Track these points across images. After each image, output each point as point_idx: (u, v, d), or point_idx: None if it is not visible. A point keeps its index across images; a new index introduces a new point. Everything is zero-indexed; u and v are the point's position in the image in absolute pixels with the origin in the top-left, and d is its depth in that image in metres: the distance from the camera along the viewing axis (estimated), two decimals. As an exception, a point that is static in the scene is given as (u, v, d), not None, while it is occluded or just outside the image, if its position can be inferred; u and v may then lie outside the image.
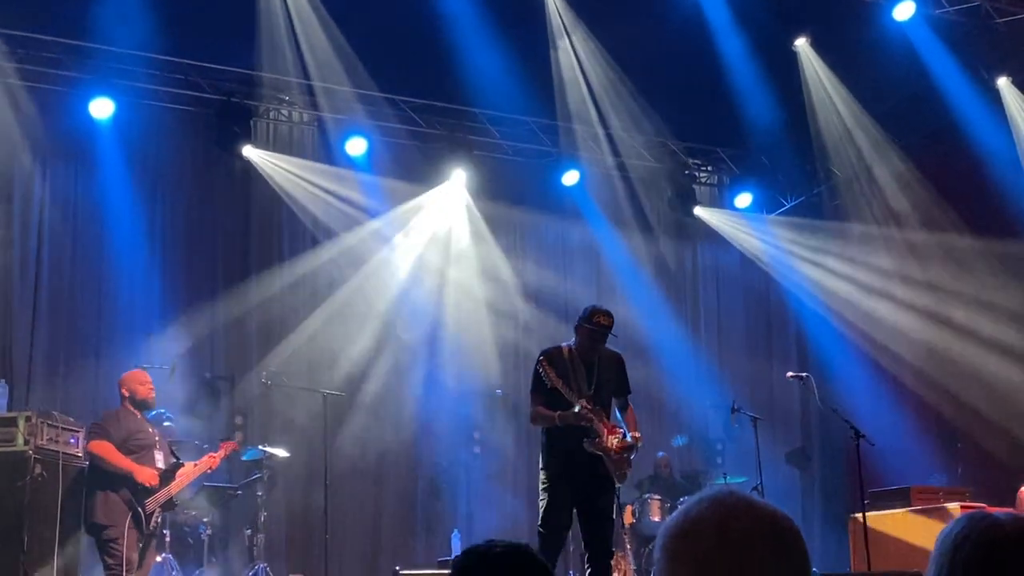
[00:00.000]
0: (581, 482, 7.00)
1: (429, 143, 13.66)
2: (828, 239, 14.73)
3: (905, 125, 13.58)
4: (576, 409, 6.92)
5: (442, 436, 13.14)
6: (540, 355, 7.23)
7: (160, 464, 8.44)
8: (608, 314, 7.27)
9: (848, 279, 14.44)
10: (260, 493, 10.40)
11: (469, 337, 13.60)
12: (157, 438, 8.58)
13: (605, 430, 7.03)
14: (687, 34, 12.09)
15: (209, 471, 8.87)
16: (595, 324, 7.15)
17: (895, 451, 13.00)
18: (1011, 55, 12.50)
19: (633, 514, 11.64)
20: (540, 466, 7.17)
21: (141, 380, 8.62)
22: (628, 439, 7.11)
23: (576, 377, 7.11)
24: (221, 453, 8.96)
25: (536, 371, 7.17)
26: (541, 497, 7.06)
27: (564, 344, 7.31)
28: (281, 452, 10.79)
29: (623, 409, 7.40)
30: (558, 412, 6.97)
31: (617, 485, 7.16)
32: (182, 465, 8.60)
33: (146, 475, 8.22)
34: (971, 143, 12.46)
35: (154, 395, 8.66)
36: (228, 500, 10.56)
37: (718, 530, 1.68)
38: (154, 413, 9.03)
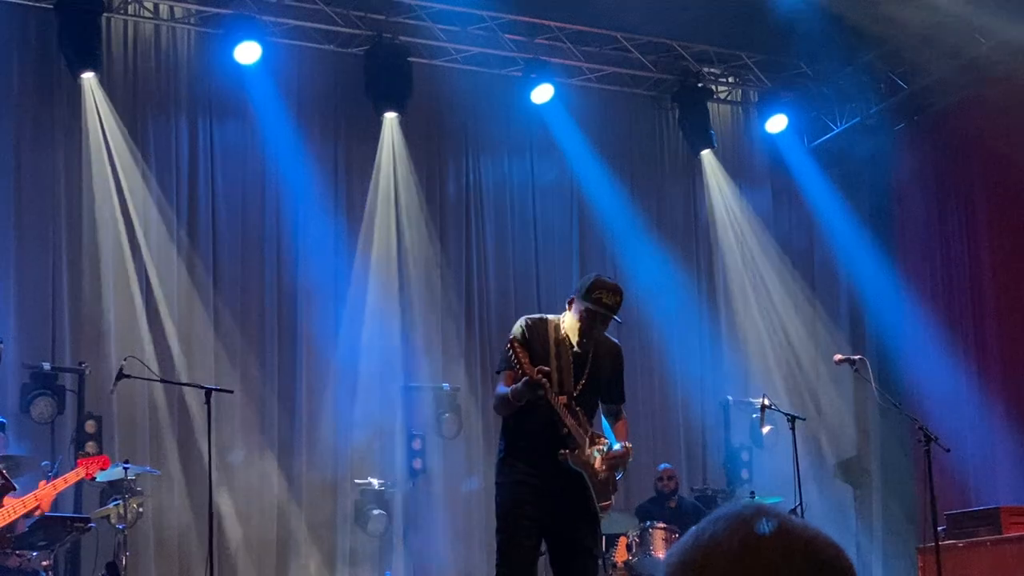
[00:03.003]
0: (552, 502, 6.97)
1: (351, 48, 13.58)
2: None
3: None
4: (524, 380, 6.74)
5: (371, 446, 13.13)
6: (521, 323, 7.12)
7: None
8: (616, 291, 7.02)
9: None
10: (120, 526, 10.32)
11: (402, 315, 13.57)
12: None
13: (587, 439, 6.99)
14: None
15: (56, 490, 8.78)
16: (596, 304, 7.00)
17: (979, 460, 13.12)
18: None
19: (629, 548, 11.69)
20: (495, 480, 7.19)
21: None
22: (616, 448, 7.08)
23: (561, 365, 7.03)
24: (79, 472, 8.85)
25: (511, 342, 6.98)
26: (498, 527, 7.06)
27: (552, 317, 7.19)
28: (149, 470, 10.70)
29: (614, 418, 7.36)
30: (512, 387, 6.85)
31: (601, 516, 7.14)
32: (13, 488, 8.50)
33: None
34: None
35: None
36: (76, 536, 10.48)
37: (739, 560, 1.64)
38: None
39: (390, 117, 13.69)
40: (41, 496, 8.62)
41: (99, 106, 12.51)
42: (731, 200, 15.21)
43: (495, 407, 7.26)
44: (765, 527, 1.66)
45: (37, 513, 8.64)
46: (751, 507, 1.73)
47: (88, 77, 12.43)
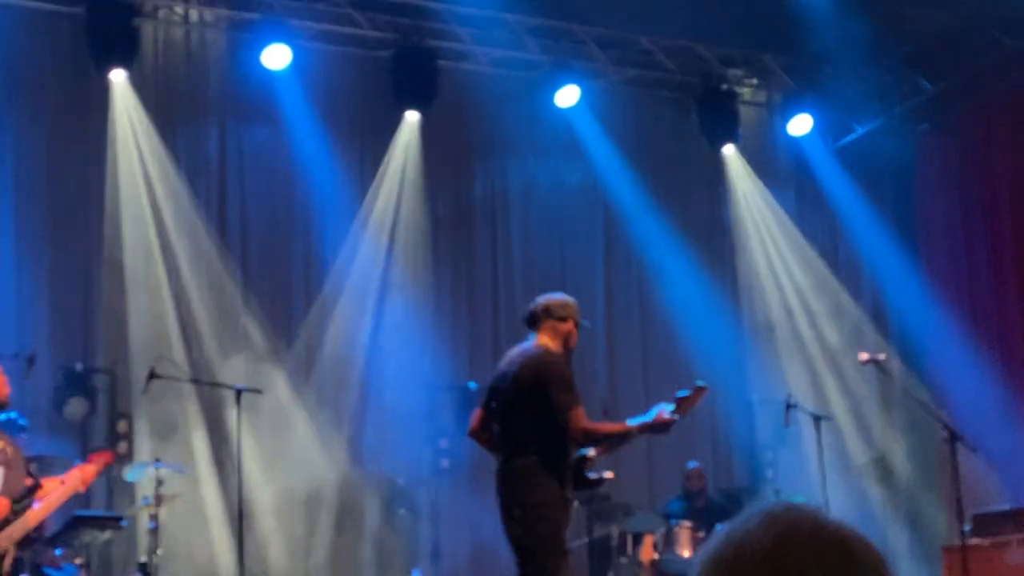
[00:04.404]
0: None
1: (378, 51, 13.58)
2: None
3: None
4: (667, 411, 7.09)
5: (398, 445, 13.12)
6: (560, 359, 7.28)
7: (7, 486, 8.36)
8: None
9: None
10: (152, 524, 10.35)
11: (429, 316, 13.58)
12: (8, 452, 8.51)
13: None
14: None
15: (79, 492, 8.80)
16: (580, 325, 7.46)
17: (1006, 460, 13.04)
18: None
19: (655, 547, 11.66)
20: (539, 500, 7.15)
21: None
22: None
23: None
24: (92, 468, 8.90)
25: (567, 369, 7.24)
26: (549, 549, 7.06)
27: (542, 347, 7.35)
28: (179, 469, 10.73)
29: None
30: (636, 423, 7.13)
31: None
32: (40, 487, 8.52)
33: (-8, 505, 8.17)
34: None
35: (8, 392, 8.60)
36: (108, 534, 10.51)
37: (771, 557, 1.63)
38: (4, 418, 8.93)
39: (412, 117, 13.62)
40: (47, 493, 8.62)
41: (129, 106, 12.52)
42: (755, 197, 15.13)
43: (598, 440, 7.25)
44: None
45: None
46: (783, 504, 1.72)
47: (118, 76, 12.39)
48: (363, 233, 13.49)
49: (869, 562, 1.66)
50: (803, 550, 1.63)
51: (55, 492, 8.57)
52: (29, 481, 8.52)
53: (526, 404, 7.09)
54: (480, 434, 7.55)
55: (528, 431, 7.09)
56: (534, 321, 7.35)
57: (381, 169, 13.67)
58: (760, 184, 15.20)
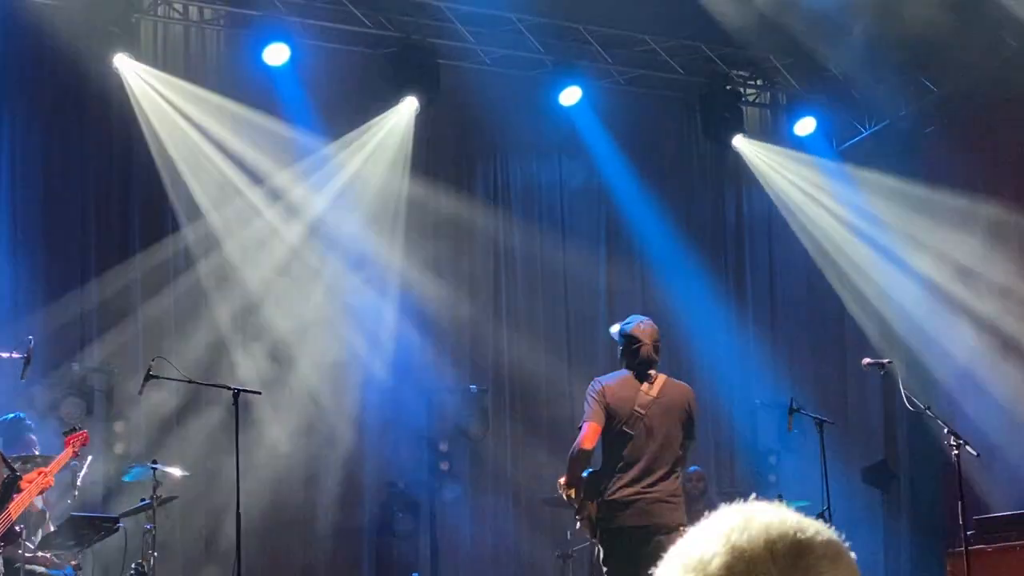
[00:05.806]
0: None
1: (379, 49, 13.59)
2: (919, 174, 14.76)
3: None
4: None
5: (397, 448, 13.15)
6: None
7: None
8: None
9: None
10: (149, 526, 10.36)
11: (429, 318, 13.60)
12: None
13: None
14: None
15: (48, 484, 8.84)
16: None
17: (1011, 465, 13.05)
18: None
19: (656, 551, 11.69)
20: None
21: None
22: None
23: None
24: (68, 452, 8.95)
25: None
26: None
27: None
28: (176, 471, 10.75)
29: None
30: None
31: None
32: (19, 479, 8.54)
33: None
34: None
35: None
36: (104, 536, 10.52)
37: (726, 551, 1.64)
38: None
39: (411, 104, 13.56)
40: (33, 480, 8.65)
41: (141, 74, 12.50)
42: (789, 176, 15.07)
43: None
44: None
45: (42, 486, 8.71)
46: (744, 504, 1.74)
47: (121, 60, 12.36)
48: (366, 231, 13.49)
49: (825, 552, 1.66)
50: (756, 543, 1.64)
51: (34, 482, 8.60)
52: (4, 475, 8.54)
53: (683, 432, 8.11)
54: (592, 453, 7.96)
55: (679, 456, 8.12)
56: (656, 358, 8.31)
57: (409, 170, 13.70)
58: (786, 157, 15.12)
